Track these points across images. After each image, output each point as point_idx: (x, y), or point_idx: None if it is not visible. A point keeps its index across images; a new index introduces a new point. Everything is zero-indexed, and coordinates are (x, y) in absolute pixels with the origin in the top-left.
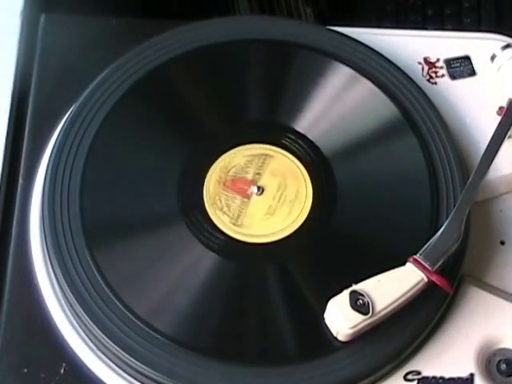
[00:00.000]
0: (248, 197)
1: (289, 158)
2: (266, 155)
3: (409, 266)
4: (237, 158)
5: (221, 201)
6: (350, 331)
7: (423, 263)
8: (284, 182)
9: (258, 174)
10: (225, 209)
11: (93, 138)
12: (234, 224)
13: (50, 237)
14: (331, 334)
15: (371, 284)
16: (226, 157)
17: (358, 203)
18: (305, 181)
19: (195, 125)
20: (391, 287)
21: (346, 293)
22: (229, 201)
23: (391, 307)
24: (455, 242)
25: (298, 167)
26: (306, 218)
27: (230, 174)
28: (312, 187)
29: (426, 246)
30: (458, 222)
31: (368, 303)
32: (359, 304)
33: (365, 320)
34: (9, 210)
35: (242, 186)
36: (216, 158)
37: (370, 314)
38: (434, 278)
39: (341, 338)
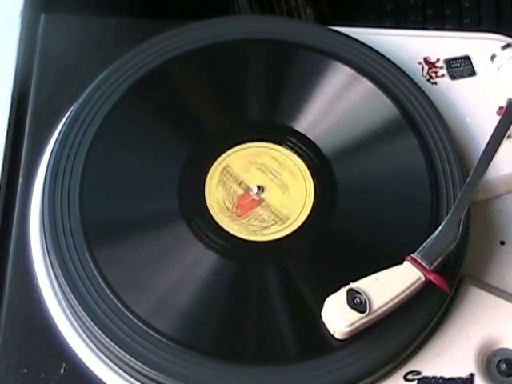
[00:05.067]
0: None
1: (289, 158)
2: (268, 155)
3: (406, 264)
4: (238, 158)
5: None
6: (347, 329)
7: (421, 262)
8: (284, 182)
9: (260, 174)
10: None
11: (93, 138)
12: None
13: (50, 237)
14: (328, 331)
15: (369, 282)
16: (226, 156)
17: (357, 203)
18: (305, 180)
19: (195, 125)
20: (389, 285)
21: (343, 291)
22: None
23: (388, 306)
24: (453, 241)
25: (298, 167)
26: (306, 218)
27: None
28: (312, 187)
29: (424, 244)
30: (455, 221)
31: (365, 301)
32: (356, 302)
33: (362, 318)
34: (9, 209)
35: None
36: (216, 158)
37: (367, 312)
38: (431, 277)
39: (338, 336)
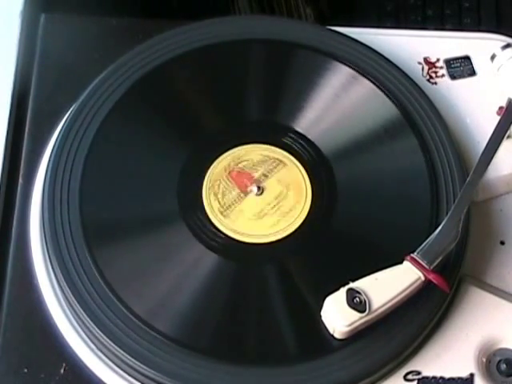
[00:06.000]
0: (246, 193)
1: (289, 158)
2: (272, 158)
3: (406, 264)
4: (242, 157)
5: (219, 187)
6: (347, 329)
7: (420, 262)
8: (285, 184)
9: (265, 175)
10: (219, 195)
11: (93, 138)
12: (221, 213)
13: (49, 237)
14: (328, 331)
15: (368, 282)
16: (228, 155)
17: (357, 203)
18: (304, 180)
19: (195, 125)
20: (388, 285)
21: (342, 290)
22: (226, 190)
23: (388, 305)
24: (453, 240)
25: (297, 167)
26: (306, 218)
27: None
28: (312, 187)
29: (424, 244)
30: (455, 220)
31: (365, 301)
32: (356, 302)
33: (361, 318)
34: (9, 209)
35: (244, 181)
36: (215, 158)
37: (367, 311)
38: (430, 277)
39: (337, 335)
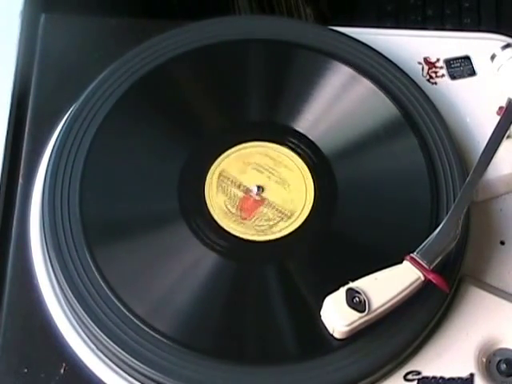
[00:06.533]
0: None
1: (290, 158)
2: (263, 154)
3: (406, 264)
4: (233, 161)
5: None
6: (346, 329)
7: (420, 261)
8: (282, 178)
9: (257, 174)
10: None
11: (93, 138)
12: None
13: (49, 237)
14: (327, 331)
15: (368, 281)
16: (224, 158)
17: (358, 203)
18: (305, 181)
19: (195, 125)
20: (388, 285)
21: (342, 290)
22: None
23: (388, 305)
24: (452, 240)
25: (298, 167)
26: (306, 218)
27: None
28: (312, 187)
29: (423, 244)
30: (455, 220)
31: (364, 301)
32: (355, 301)
33: (361, 318)
34: (9, 209)
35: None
36: (216, 158)
37: (366, 311)
38: (430, 277)
39: (337, 335)
